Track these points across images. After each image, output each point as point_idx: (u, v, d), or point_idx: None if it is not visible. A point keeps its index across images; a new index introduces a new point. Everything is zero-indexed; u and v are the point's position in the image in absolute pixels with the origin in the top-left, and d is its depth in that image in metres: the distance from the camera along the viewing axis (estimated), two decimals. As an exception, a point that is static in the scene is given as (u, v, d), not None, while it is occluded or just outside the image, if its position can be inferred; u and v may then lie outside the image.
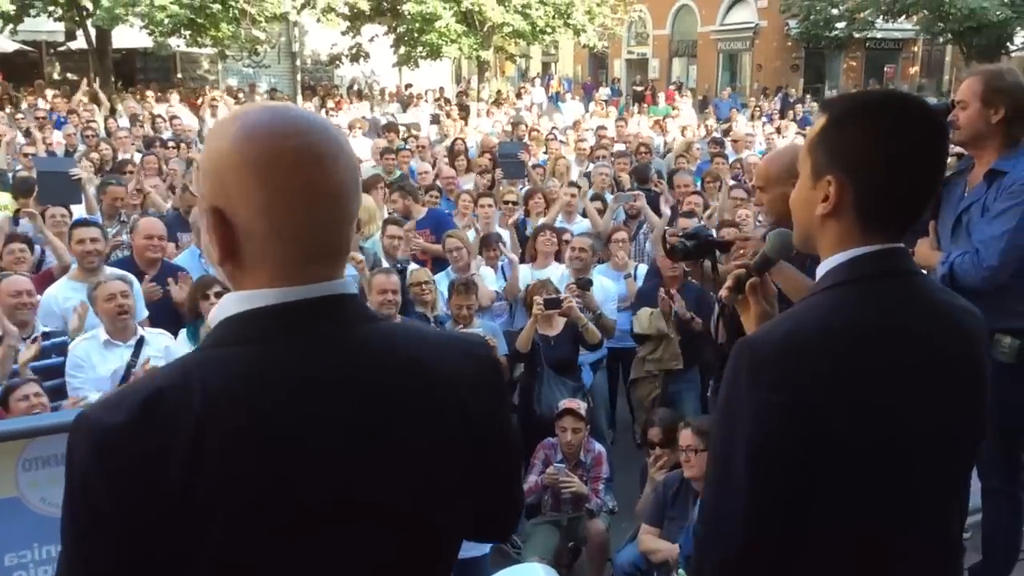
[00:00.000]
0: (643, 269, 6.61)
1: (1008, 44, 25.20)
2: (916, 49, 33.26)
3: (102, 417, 1.07)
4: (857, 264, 1.52)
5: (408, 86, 24.11)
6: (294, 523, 1.09)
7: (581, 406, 4.98)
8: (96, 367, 4.46)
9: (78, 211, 6.88)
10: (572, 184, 8.17)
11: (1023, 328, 3.18)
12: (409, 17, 22.84)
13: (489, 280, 6.38)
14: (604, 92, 26.17)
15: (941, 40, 27.69)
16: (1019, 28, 23.60)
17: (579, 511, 4.80)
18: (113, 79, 22.35)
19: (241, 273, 1.18)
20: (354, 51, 25.12)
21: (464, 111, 19.05)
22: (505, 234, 7.24)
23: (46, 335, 4.63)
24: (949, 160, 4.06)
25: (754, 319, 1.90)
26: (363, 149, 12.14)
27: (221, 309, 1.18)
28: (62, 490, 2.40)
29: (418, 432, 1.19)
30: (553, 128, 16.00)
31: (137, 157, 10.57)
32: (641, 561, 4.25)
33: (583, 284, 5.74)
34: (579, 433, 4.83)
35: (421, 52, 24.00)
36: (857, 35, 28.52)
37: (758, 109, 20.09)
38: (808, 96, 25.77)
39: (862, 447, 1.43)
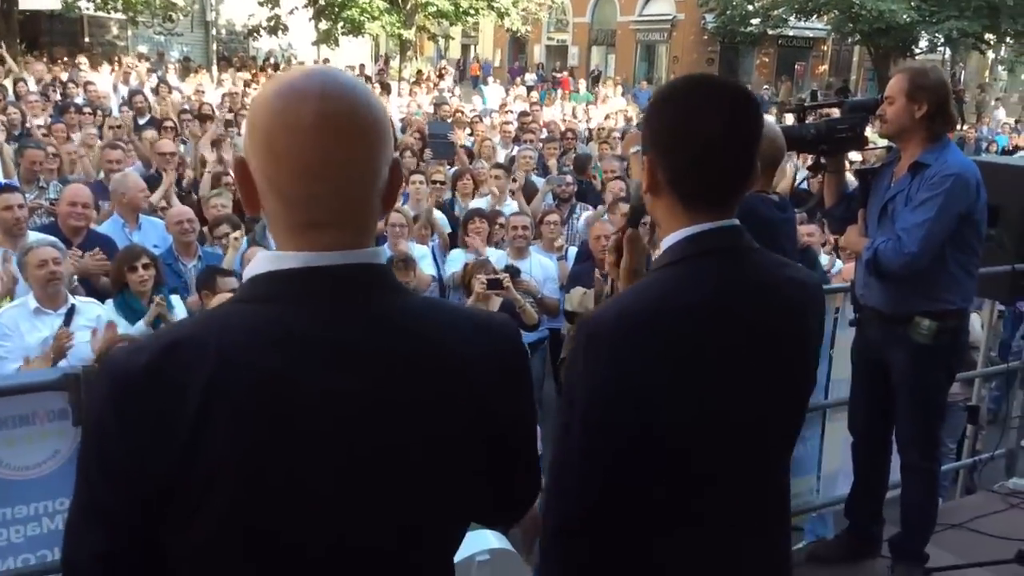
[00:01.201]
0: (573, 251, 6.72)
1: (913, 47, 26.26)
2: (826, 48, 34.37)
3: (123, 360, 1.10)
4: (686, 244, 1.58)
5: (326, 61, 23.74)
6: (296, 490, 1.10)
7: None
8: (24, 335, 4.31)
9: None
10: (499, 166, 8.20)
11: (940, 311, 3.38)
12: (331, -10, 22.49)
13: (422, 258, 6.38)
14: (531, 78, 26.31)
15: (850, 40, 28.68)
16: (923, 32, 24.61)
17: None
18: (18, 41, 21.32)
19: (271, 225, 1.20)
20: (272, 23, 24.55)
21: (385, 89, 18.88)
22: (437, 215, 7.26)
23: (-27, 303, 4.49)
24: (878, 151, 4.27)
25: (624, 274, 1.89)
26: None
27: (253, 265, 1.19)
28: (19, 452, 2.37)
29: (432, 411, 1.19)
30: (472, 110, 16.04)
31: (48, 123, 10.20)
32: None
33: (512, 271, 5.77)
34: None
35: (342, 28, 23.61)
36: (771, 32, 29.27)
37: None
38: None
39: (679, 423, 1.51)
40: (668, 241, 1.61)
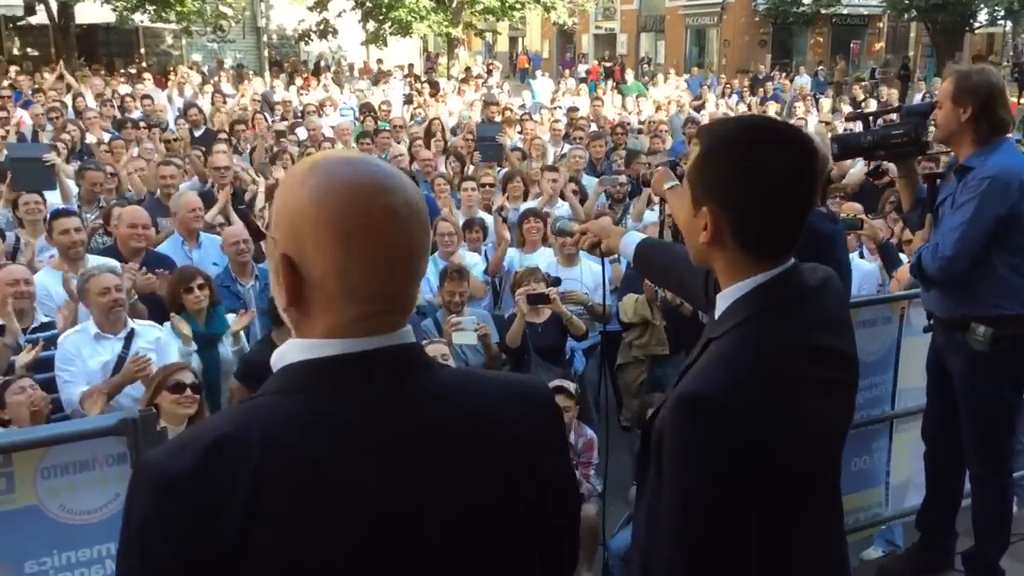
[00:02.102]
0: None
1: (972, 21, 25.49)
2: (882, 25, 33.59)
3: (164, 464, 1.07)
4: (758, 297, 1.58)
5: (379, 62, 23.92)
6: None
7: (570, 385, 5.02)
8: (87, 360, 4.41)
9: (51, 197, 6.77)
10: (551, 168, 8.14)
11: (996, 317, 3.30)
12: (378, -8, 22.62)
13: (474, 265, 6.38)
14: (582, 69, 26.17)
15: (907, 17, 27.91)
16: (982, 6, 23.86)
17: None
18: (78, 58, 21.86)
19: (306, 320, 1.17)
20: (322, 27, 24.80)
21: (435, 88, 18.94)
22: (487, 218, 7.25)
23: (43, 326, 4.61)
24: (944, 158, 4.16)
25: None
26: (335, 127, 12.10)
27: (283, 355, 1.17)
28: (79, 497, 2.40)
29: (476, 486, 1.17)
30: (521, 106, 16.00)
31: (107, 139, 10.44)
32: (635, 546, 4.32)
33: (553, 282, 5.64)
34: (569, 412, 4.84)
35: (390, 29, 23.75)
36: (824, 11, 28.71)
37: (729, 87, 20.19)
38: (776, 72, 25.93)
39: (795, 459, 1.55)
40: (735, 293, 1.62)
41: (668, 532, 1.54)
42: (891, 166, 3.73)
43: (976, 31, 26.46)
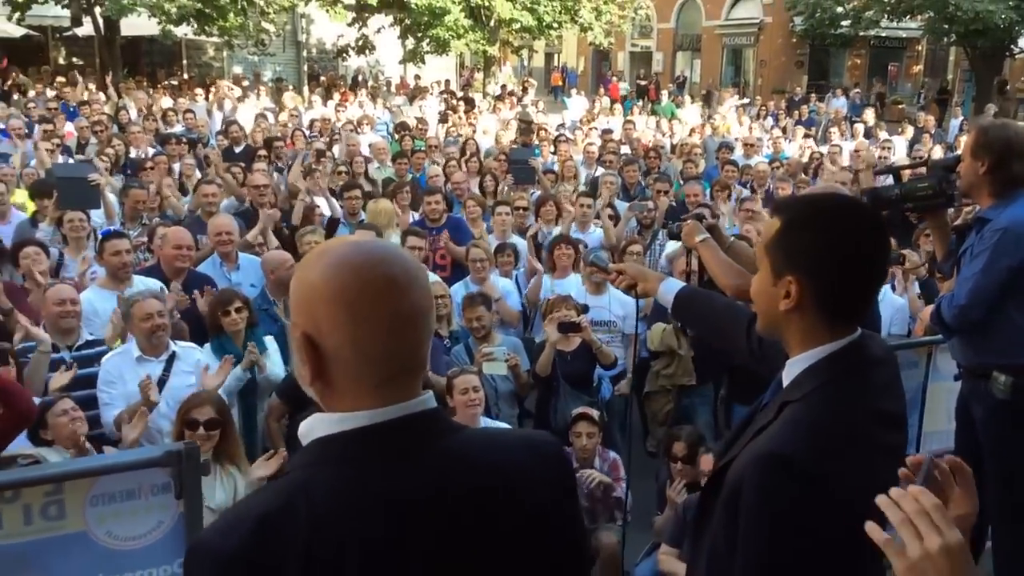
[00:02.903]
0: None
1: (1012, 47, 25.21)
2: (920, 48, 33.29)
3: (218, 543, 1.18)
4: (835, 363, 1.71)
5: (417, 77, 24.18)
6: None
7: (594, 413, 5.09)
8: (128, 383, 4.52)
9: (95, 214, 6.96)
10: (584, 194, 8.22)
11: (1016, 365, 3.37)
12: (417, 10, 22.84)
13: (506, 290, 6.47)
14: (624, 87, 26.26)
15: (946, 41, 27.67)
16: (1023, 31, 23.60)
17: (593, 523, 4.91)
18: (123, 69, 22.37)
19: (331, 392, 1.29)
20: (361, 43, 25.13)
21: (470, 104, 19.12)
22: (519, 242, 7.34)
23: (88, 343, 4.76)
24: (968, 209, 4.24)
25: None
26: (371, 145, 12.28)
27: (313, 428, 1.28)
28: (125, 524, 2.52)
29: (507, 542, 1.28)
30: (560, 126, 16.10)
31: (151, 153, 10.67)
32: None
33: (582, 309, 5.65)
34: (593, 438, 4.91)
35: (428, 46, 24.00)
36: (862, 33, 28.49)
37: (764, 108, 20.16)
38: (812, 94, 25.81)
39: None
40: (808, 359, 1.74)
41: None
42: None
43: (1016, 56, 26.16)
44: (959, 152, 3.63)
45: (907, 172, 3.82)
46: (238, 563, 1.15)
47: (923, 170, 3.77)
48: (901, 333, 5.67)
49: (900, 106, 23.57)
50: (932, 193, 3.44)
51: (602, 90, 25.42)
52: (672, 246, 7.09)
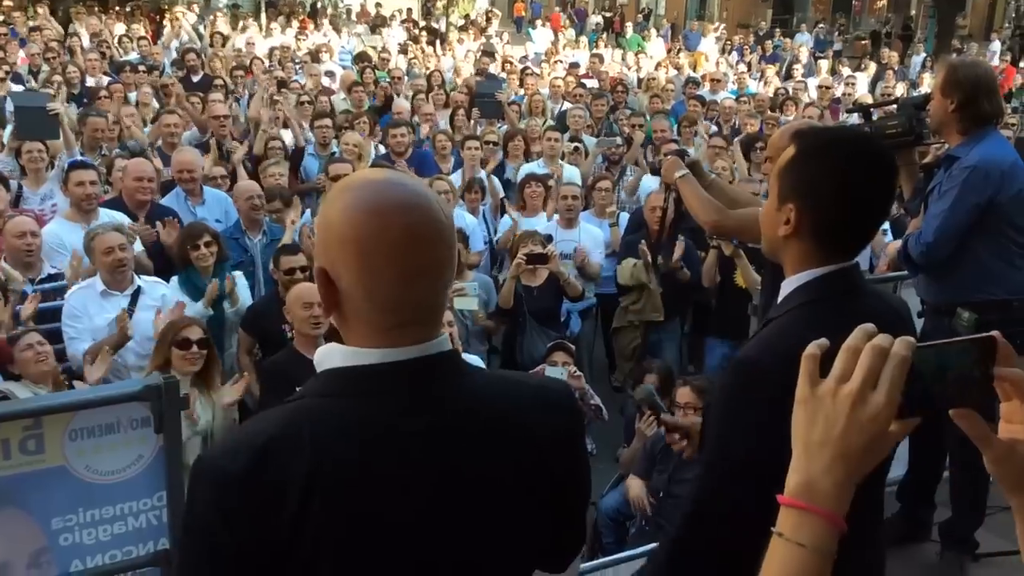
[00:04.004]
0: (625, 216, 6.72)
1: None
2: (884, -17, 33.16)
3: (222, 464, 1.19)
4: (822, 284, 1.76)
5: (378, 5, 23.57)
6: (391, 565, 1.21)
7: (570, 346, 5.14)
8: (92, 317, 4.48)
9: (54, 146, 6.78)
10: (552, 128, 8.15)
11: (980, 302, 3.44)
12: (377, -66, 22.14)
13: (472, 227, 6.44)
14: (595, 20, 25.90)
15: (910, -24, 27.56)
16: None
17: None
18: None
19: (346, 325, 1.29)
20: (319, -33, 24.37)
21: (433, 35, 18.75)
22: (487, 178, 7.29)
23: (51, 277, 4.67)
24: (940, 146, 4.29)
25: None
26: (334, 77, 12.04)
27: (326, 358, 1.28)
28: (104, 458, 2.52)
29: (505, 482, 1.30)
30: (524, 59, 15.86)
31: (105, 82, 10.35)
32: (625, 506, 4.48)
33: (536, 258, 5.62)
34: (568, 365, 4.90)
35: (389, -28, 23.35)
36: (827, -33, 28.28)
37: (729, 43, 20.04)
38: (777, 29, 25.68)
39: None
40: (800, 280, 1.79)
41: (704, 471, 1.75)
42: None
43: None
44: (927, 90, 3.65)
45: (876, 110, 3.84)
46: (239, 485, 1.16)
47: (892, 108, 3.80)
48: (863, 269, 5.75)
49: (863, 42, 23.52)
50: (902, 131, 3.47)
51: (564, 23, 25.00)
52: (649, 181, 7.13)
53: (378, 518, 1.20)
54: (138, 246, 5.02)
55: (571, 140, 8.23)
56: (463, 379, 1.33)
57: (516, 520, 1.32)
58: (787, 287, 1.81)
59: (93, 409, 2.49)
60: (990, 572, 3.78)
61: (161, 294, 4.73)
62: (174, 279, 4.97)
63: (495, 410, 1.32)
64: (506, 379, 1.54)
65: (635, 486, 4.29)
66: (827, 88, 12.02)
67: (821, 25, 26.37)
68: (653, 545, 3.31)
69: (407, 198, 1.25)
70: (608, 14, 30.32)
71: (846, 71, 15.50)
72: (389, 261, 1.22)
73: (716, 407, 1.76)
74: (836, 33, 26.40)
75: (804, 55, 16.82)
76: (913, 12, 32.12)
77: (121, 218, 5.12)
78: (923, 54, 20.92)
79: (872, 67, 16.30)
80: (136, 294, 4.61)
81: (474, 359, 4.96)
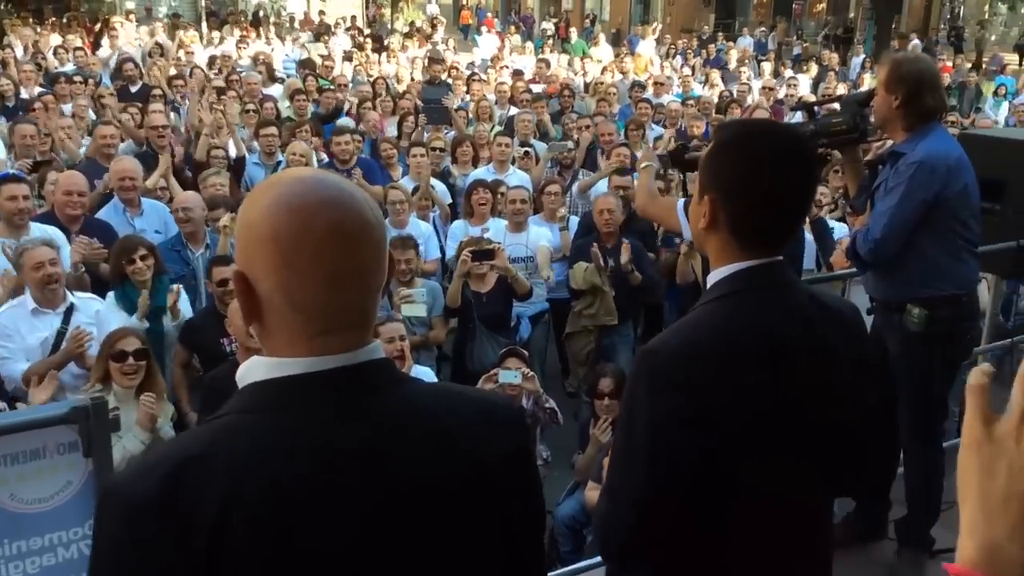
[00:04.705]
0: (575, 220, 6.67)
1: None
2: (823, -14, 33.73)
3: (131, 487, 1.08)
4: (737, 278, 1.72)
5: (321, 13, 23.38)
6: None
7: (523, 352, 5.06)
8: (25, 336, 4.31)
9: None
10: (502, 134, 8.08)
11: (929, 297, 3.42)
12: (320, -59, 21.94)
13: (427, 238, 6.35)
14: (548, 27, 25.98)
15: (848, -21, 28.10)
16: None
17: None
18: (3, 3, 20.95)
19: (267, 335, 1.19)
20: (261, -24, 24.07)
21: (377, 42, 18.61)
22: (437, 185, 7.20)
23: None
24: (887, 143, 4.32)
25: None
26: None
27: (248, 372, 1.18)
28: (30, 486, 2.37)
29: (447, 503, 1.19)
30: (471, 65, 15.81)
31: (39, 93, 10.02)
32: (582, 514, 4.42)
33: (482, 255, 5.57)
34: (522, 369, 4.80)
35: (333, -21, 23.17)
36: (767, -29, 28.71)
37: (673, 47, 20.20)
38: (720, 33, 25.98)
39: (736, 448, 1.63)
40: (720, 274, 1.75)
41: (612, 456, 1.74)
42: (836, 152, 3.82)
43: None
44: (870, 87, 3.64)
45: (820, 108, 3.84)
46: (149, 509, 1.05)
47: (836, 106, 3.79)
48: (810, 268, 5.78)
49: (804, 44, 23.87)
50: (847, 128, 3.45)
51: (512, 28, 25.02)
52: (599, 183, 7.12)
53: (306, 545, 1.08)
54: (67, 261, 4.82)
55: (521, 145, 8.17)
56: (399, 389, 1.22)
57: (461, 545, 1.20)
58: (710, 280, 1.79)
59: (16, 434, 2.34)
60: (947, 568, 3.77)
61: (95, 310, 4.56)
62: (110, 295, 4.79)
63: (436, 424, 1.21)
64: (447, 391, 1.42)
65: (593, 496, 4.22)
66: (770, 90, 12.15)
67: (762, 29, 26.75)
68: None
69: (333, 196, 1.16)
70: (555, 20, 30.41)
71: (788, 73, 15.68)
72: (312, 262, 1.13)
73: (623, 395, 1.76)
74: (780, 32, 26.78)
75: (736, 60, 16.98)
76: (852, 15, 32.76)
77: (54, 232, 4.92)
78: (862, 55, 21.32)
79: (814, 68, 16.53)
80: (69, 311, 4.44)
81: (425, 370, 4.88)
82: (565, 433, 5.32)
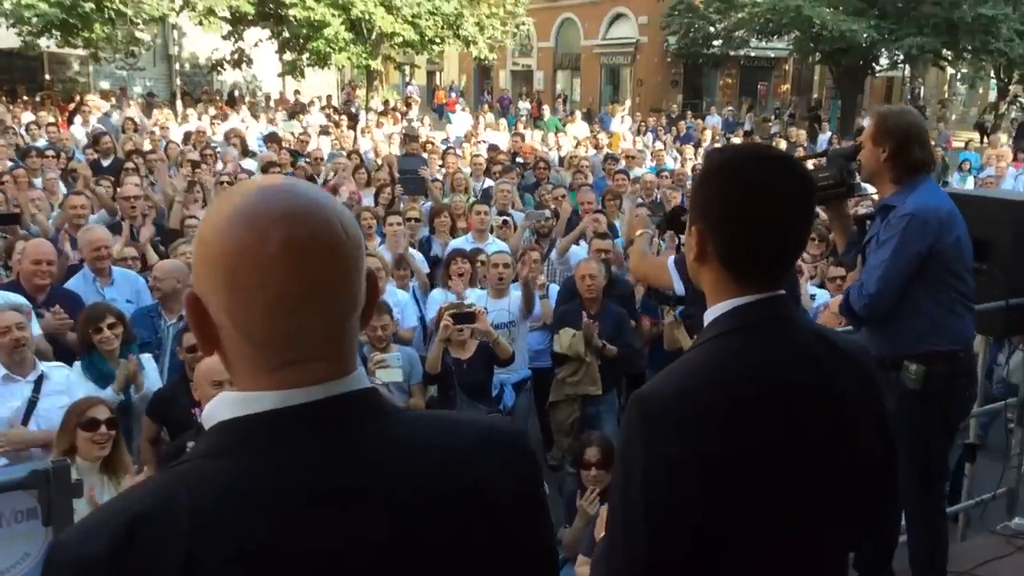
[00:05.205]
0: (555, 288, 6.60)
1: (874, 64, 26.61)
2: (787, 68, 34.76)
3: (79, 546, 0.93)
4: (734, 316, 1.58)
5: (297, 93, 23.61)
6: None
7: (504, 419, 4.93)
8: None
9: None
10: (479, 203, 8.07)
11: (926, 354, 3.34)
12: (296, 23, 22.26)
13: (404, 305, 6.24)
14: (524, 107, 26.51)
15: (811, 60, 28.99)
16: (884, 49, 24.93)
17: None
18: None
19: (230, 368, 1.05)
20: (236, 56, 24.32)
21: (352, 119, 18.76)
22: (415, 254, 7.13)
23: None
24: (873, 197, 4.30)
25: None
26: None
27: (213, 411, 1.03)
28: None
29: (450, 548, 1.03)
30: (445, 140, 15.96)
31: (9, 166, 9.93)
32: (572, 590, 4.22)
33: (463, 318, 5.48)
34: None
35: (308, 59, 23.45)
36: (733, 53, 29.57)
37: (643, 124, 20.56)
38: (688, 112, 26.57)
39: (740, 496, 1.47)
40: (717, 311, 1.61)
41: (609, 512, 1.57)
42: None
43: (878, 74, 27.64)
44: (855, 142, 3.62)
45: (806, 163, 3.81)
46: (101, 570, 0.90)
47: (823, 161, 3.76)
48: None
49: (768, 124, 24.47)
50: (834, 183, 3.42)
51: (485, 106, 25.42)
52: (578, 250, 7.08)
53: None
54: (36, 330, 4.65)
55: (499, 214, 8.14)
56: (387, 423, 1.06)
57: None
58: (706, 319, 1.64)
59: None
60: (955, 639, 3.62)
61: (66, 376, 4.38)
62: (76, 364, 4.61)
63: (432, 461, 1.06)
64: (442, 420, 1.23)
65: (585, 569, 4.04)
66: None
67: (730, 108, 27.40)
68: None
69: (296, 206, 1.00)
70: (528, 99, 30.97)
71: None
72: (261, 282, 0.97)
73: (617, 449, 1.59)
74: (746, 111, 27.45)
75: (709, 136, 17.34)
76: (815, 95, 33.69)
77: (19, 300, 4.75)
78: (828, 132, 21.85)
79: (783, 144, 16.85)
80: (39, 380, 4.24)
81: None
82: (550, 507, 5.14)
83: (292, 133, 15.51)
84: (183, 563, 0.90)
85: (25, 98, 19.80)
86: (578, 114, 22.82)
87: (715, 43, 28.66)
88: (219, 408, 1.03)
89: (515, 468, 1.12)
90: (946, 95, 31.81)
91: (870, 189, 3.83)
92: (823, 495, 1.56)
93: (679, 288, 3.24)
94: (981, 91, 30.67)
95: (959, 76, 30.46)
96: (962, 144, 22.27)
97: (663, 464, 1.45)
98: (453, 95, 30.97)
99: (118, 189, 8.05)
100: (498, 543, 1.07)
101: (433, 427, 1.13)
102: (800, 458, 1.52)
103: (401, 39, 23.44)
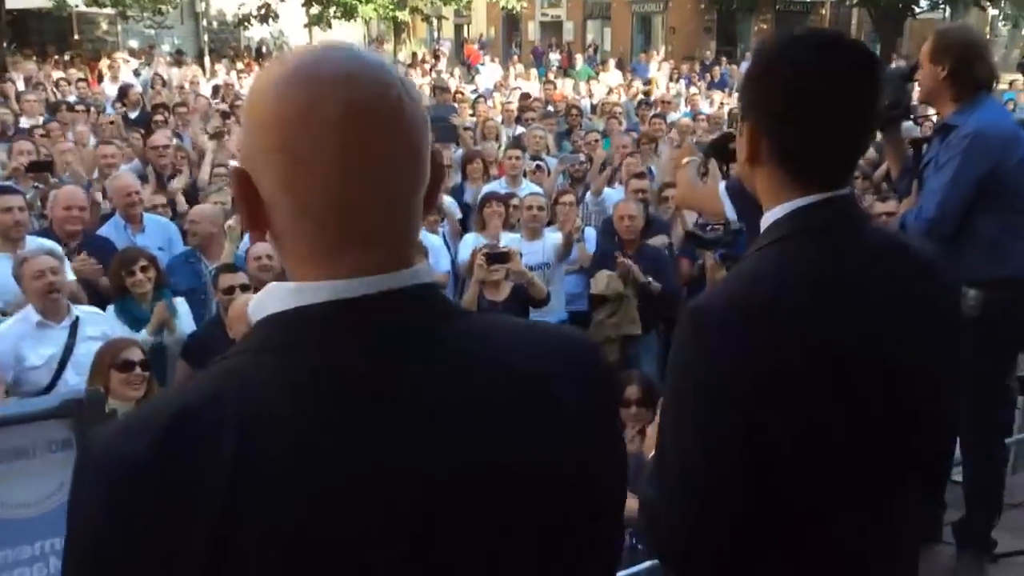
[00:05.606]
0: (590, 231, 6.48)
1: (913, 7, 25.84)
2: (824, 11, 33.88)
3: (116, 447, 0.83)
4: (794, 218, 1.43)
5: (322, 45, 23.44)
6: None
7: None
8: (27, 356, 4.07)
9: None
10: (513, 147, 7.94)
11: (987, 280, 3.19)
12: (321, -26, 22.06)
13: (435, 247, 6.16)
14: (555, 58, 26.11)
15: (849, 2, 28.24)
16: (923, -9, 24.20)
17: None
18: (6, 42, 21.01)
19: (283, 251, 0.95)
20: (263, 10, 24.16)
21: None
22: (445, 199, 7.03)
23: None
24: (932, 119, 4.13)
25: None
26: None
27: (262, 302, 0.93)
28: (16, 488, 2.13)
29: (523, 463, 0.92)
30: (474, 90, 15.78)
31: (41, 122, 9.96)
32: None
33: (497, 258, 5.39)
34: None
35: (334, 12, 23.23)
36: (767, -3, 28.90)
37: (676, 72, 20.19)
38: (723, 59, 26.03)
39: (795, 422, 1.34)
40: (774, 215, 1.46)
41: (659, 430, 1.45)
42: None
43: (917, 16, 26.87)
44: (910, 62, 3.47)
45: None
46: (144, 476, 0.80)
47: None
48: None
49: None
50: (889, 104, 3.27)
51: (515, 58, 25.07)
52: (614, 193, 6.95)
53: (332, 533, 0.82)
54: (70, 275, 4.63)
55: (532, 159, 8.01)
56: (452, 324, 0.96)
57: (539, 514, 0.92)
58: (762, 224, 1.50)
59: (1, 429, 2.11)
60: (1010, 573, 3.51)
61: (101, 320, 4.36)
62: (110, 308, 4.59)
63: (502, 359, 0.95)
64: (511, 324, 1.10)
65: (633, 504, 3.99)
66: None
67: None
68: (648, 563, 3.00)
69: (353, 68, 0.90)
70: (559, 49, 30.53)
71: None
72: (321, 146, 0.87)
73: (669, 361, 1.46)
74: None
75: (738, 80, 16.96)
76: (855, 37, 32.83)
77: (52, 245, 4.73)
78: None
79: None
80: (75, 325, 4.19)
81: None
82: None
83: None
84: (231, 460, 0.80)
85: (56, 57, 19.78)
86: (611, 62, 22.35)
87: (749, -13, 28.01)
88: (268, 300, 0.93)
89: (586, 375, 1.01)
90: (988, 36, 30.84)
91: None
92: (900, 414, 1.40)
93: (731, 214, 3.10)
94: (1023, 32, 29.73)
95: (1001, 17, 29.54)
96: (1006, 85, 21.60)
97: (718, 374, 1.34)
98: (481, 48, 30.60)
99: (148, 139, 8.02)
100: (570, 464, 0.96)
101: (500, 330, 1.02)
102: (870, 377, 1.37)
103: (428, -13, 23.13)
